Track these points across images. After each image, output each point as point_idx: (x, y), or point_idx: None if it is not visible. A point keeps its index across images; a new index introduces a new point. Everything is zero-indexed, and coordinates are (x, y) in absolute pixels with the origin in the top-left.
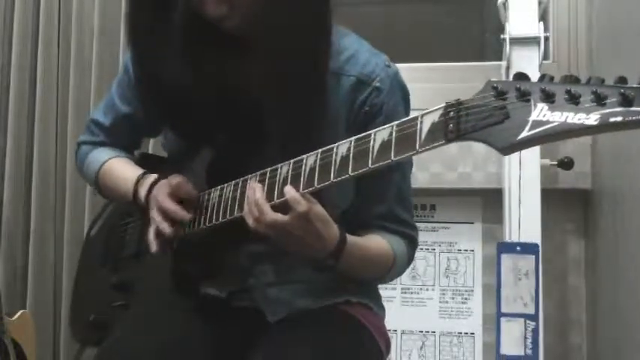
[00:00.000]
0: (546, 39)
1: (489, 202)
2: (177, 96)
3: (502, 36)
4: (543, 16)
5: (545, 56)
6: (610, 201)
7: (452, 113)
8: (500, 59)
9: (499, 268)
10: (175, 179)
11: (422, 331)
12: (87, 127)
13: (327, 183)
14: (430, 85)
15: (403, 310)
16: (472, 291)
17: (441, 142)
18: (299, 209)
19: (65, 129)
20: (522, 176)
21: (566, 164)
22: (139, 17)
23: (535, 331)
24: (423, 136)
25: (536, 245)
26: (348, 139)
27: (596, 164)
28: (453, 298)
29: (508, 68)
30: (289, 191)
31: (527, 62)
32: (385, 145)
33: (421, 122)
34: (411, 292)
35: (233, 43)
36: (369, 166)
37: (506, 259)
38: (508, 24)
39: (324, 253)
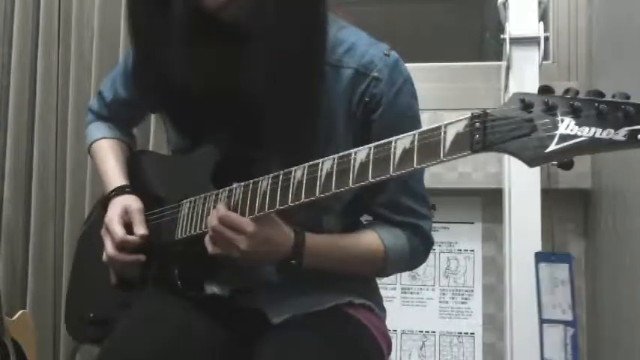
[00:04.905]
0: (546, 39)
1: (489, 202)
2: (176, 92)
3: (502, 36)
4: (543, 16)
5: (545, 56)
6: (610, 201)
7: (477, 124)
8: (500, 59)
9: (538, 276)
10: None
11: (422, 331)
12: (97, 94)
13: (345, 188)
14: (430, 85)
15: (403, 310)
16: (472, 291)
17: (466, 153)
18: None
19: (65, 129)
20: (522, 176)
21: (566, 164)
22: (139, 12)
23: (574, 336)
24: (447, 145)
25: (569, 255)
26: (366, 146)
27: (596, 164)
28: (453, 298)
29: (508, 68)
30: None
31: (527, 62)
32: (407, 153)
33: (445, 132)
34: (411, 292)
35: (232, 38)
36: (391, 173)
37: (544, 268)
38: (508, 24)
39: (281, 257)
